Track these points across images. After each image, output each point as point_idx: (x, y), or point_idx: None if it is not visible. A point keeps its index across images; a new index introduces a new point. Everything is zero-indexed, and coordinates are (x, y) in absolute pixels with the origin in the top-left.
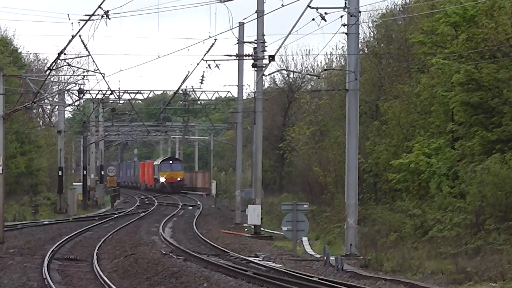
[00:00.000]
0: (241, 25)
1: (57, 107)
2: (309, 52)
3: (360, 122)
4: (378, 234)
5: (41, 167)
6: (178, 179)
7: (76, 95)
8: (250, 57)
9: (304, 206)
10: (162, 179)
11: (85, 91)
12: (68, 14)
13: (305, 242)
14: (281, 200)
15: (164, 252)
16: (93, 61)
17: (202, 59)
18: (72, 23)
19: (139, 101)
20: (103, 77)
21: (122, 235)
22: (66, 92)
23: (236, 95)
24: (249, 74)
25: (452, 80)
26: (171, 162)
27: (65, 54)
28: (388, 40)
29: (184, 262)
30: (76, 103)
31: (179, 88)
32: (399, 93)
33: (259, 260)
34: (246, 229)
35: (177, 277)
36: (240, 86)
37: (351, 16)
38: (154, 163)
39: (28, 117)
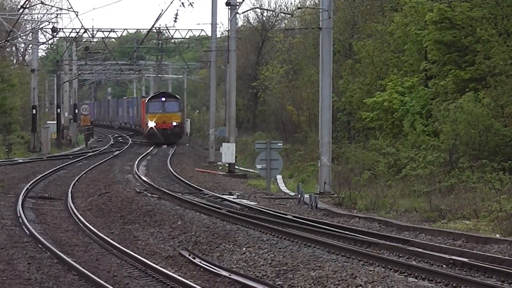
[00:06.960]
0: None
1: (30, 45)
2: None
3: (334, 60)
4: (351, 173)
5: (14, 105)
6: (174, 123)
7: (49, 34)
8: None
9: (278, 144)
10: (151, 124)
11: (58, 29)
12: None
13: (279, 180)
14: (255, 138)
15: (138, 191)
16: None
17: None
18: None
19: (113, 40)
20: (77, 15)
21: (96, 173)
22: (39, 30)
23: (210, 34)
24: (223, 12)
25: (426, 18)
26: (163, 99)
27: None
28: None
29: (158, 200)
30: (50, 42)
31: (152, 26)
32: (372, 32)
33: (233, 198)
34: (220, 168)
35: (151, 215)
36: (213, 24)
37: None
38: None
39: (1, 56)
